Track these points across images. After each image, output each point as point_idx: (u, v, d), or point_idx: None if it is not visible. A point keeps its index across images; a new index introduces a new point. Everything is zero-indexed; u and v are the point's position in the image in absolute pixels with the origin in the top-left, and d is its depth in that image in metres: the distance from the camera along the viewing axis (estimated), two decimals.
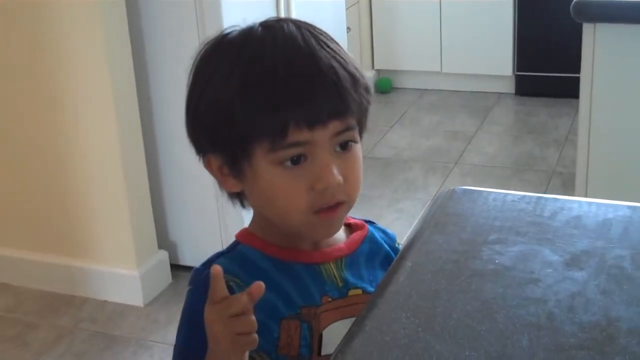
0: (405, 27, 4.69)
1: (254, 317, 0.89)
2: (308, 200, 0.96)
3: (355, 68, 0.99)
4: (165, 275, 2.87)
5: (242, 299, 0.89)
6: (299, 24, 1.00)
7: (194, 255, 2.88)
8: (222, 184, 1.03)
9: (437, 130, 4.24)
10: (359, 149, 1.01)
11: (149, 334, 2.62)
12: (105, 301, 2.79)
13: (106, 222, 2.74)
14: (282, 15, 2.95)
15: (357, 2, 4.60)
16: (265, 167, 0.96)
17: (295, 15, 3.01)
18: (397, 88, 4.85)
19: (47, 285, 2.86)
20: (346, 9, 3.84)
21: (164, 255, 2.87)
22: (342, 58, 0.98)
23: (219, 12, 2.59)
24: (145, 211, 2.78)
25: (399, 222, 3.28)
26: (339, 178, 0.95)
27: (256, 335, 0.90)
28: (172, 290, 2.82)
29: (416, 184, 3.65)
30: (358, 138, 1.00)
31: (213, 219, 2.77)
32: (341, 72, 0.96)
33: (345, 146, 0.98)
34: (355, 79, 0.98)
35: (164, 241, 2.91)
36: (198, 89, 1.00)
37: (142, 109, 2.72)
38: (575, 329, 0.74)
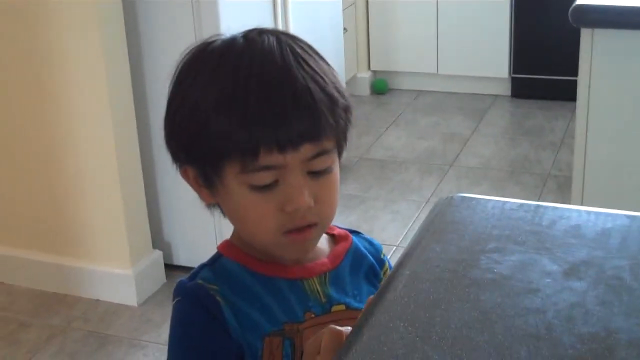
0: (401, 29, 4.68)
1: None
2: (277, 222, 0.94)
3: (336, 88, 0.95)
4: (160, 275, 2.86)
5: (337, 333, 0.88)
6: (280, 38, 0.97)
7: (189, 255, 2.87)
8: (198, 194, 1.02)
9: (433, 132, 4.24)
10: (336, 170, 0.98)
11: (142, 334, 2.61)
12: (98, 300, 2.79)
13: (100, 221, 2.73)
14: (279, 16, 2.95)
15: (354, 3, 4.60)
16: (236, 187, 0.94)
17: (292, 16, 3.01)
18: (393, 89, 4.85)
19: (40, 283, 2.86)
20: (343, 9, 3.84)
21: (158, 254, 2.86)
22: (321, 77, 0.94)
23: (216, 12, 2.59)
24: (139, 210, 2.77)
25: (394, 223, 3.27)
26: (310, 201, 0.93)
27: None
28: (166, 290, 2.81)
29: (412, 185, 3.65)
30: (334, 160, 0.97)
31: (208, 219, 2.75)
32: (317, 93, 0.93)
33: (319, 171, 0.95)
34: (333, 100, 0.94)
35: (159, 241, 2.90)
36: (176, 98, 0.98)
37: (137, 108, 2.72)
38: (574, 340, 0.73)
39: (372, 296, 0.89)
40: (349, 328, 0.86)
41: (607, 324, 0.75)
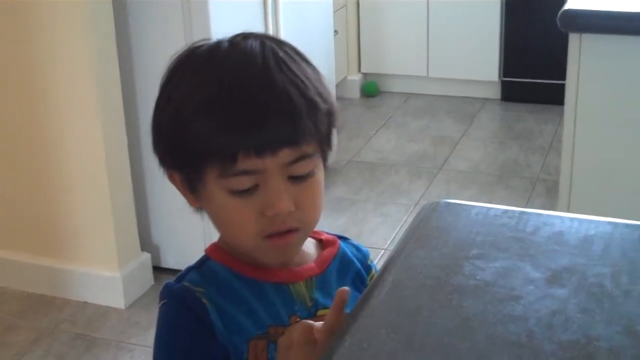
0: (392, 31, 4.69)
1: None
2: (258, 227, 0.94)
3: (318, 92, 0.95)
4: (147, 278, 2.85)
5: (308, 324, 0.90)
6: (264, 42, 0.96)
7: (177, 258, 2.87)
8: (185, 198, 1.02)
9: (423, 135, 4.25)
10: (318, 175, 0.98)
11: (129, 337, 2.60)
12: (86, 303, 2.78)
13: (89, 224, 2.72)
14: (270, 18, 2.94)
15: (345, 5, 4.60)
16: (217, 191, 0.94)
17: (282, 18, 3.01)
18: (383, 92, 4.85)
19: (28, 285, 2.85)
20: (333, 12, 3.84)
21: (146, 257, 2.86)
22: (302, 82, 0.94)
23: (207, 13, 2.58)
24: (128, 213, 2.76)
25: (383, 226, 3.28)
26: (289, 205, 0.93)
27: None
28: (153, 292, 2.80)
29: (401, 188, 3.65)
30: (317, 165, 0.97)
31: (196, 222, 2.73)
32: (297, 98, 0.92)
33: (300, 175, 0.95)
34: (313, 105, 0.94)
35: (147, 243, 2.89)
36: (162, 102, 0.98)
37: (126, 110, 2.71)
38: (555, 348, 0.74)
39: (342, 287, 0.90)
40: (321, 323, 0.87)
41: (587, 331, 0.75)
